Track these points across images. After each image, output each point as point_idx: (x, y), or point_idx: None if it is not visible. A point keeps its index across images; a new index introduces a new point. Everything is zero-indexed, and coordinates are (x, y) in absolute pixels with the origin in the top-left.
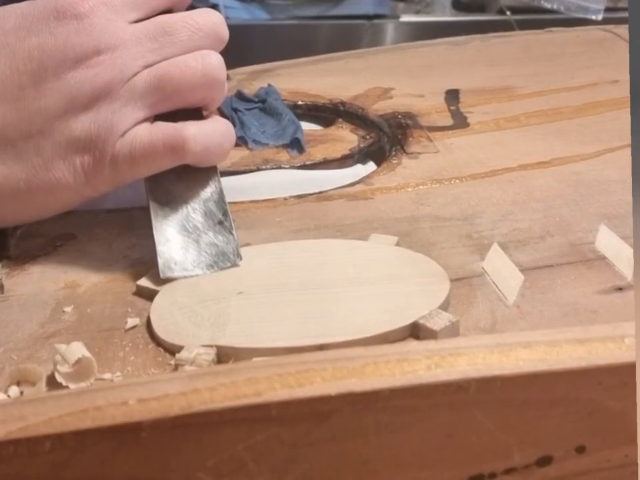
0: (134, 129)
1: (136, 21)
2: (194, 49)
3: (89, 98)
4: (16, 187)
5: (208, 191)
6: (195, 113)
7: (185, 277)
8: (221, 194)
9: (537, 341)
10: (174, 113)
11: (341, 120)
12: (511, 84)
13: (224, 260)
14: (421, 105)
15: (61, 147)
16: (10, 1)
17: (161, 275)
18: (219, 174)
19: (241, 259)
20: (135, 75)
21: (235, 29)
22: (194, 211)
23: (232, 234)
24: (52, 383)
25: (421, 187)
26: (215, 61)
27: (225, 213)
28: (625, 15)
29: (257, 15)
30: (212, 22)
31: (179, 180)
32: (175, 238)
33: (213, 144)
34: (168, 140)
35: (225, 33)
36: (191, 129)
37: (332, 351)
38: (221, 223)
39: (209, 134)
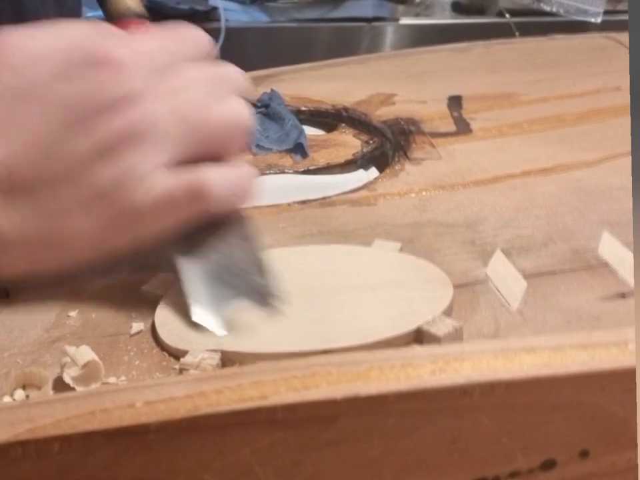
0: (154, 175)
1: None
2: (219, 99)
3: (117, 144)
4: (30, 236)
5: (238, 239)
6: (217, 159)
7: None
8: (252, 239)
9: (541, 346)
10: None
11: (343, 125)
12: (514, 90)
13: (263, 303)
14: (423, 111)
15: (80, 192)
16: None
17: (193, 319)
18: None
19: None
20: (162, 120)
21: (235, 32)
22: (227, 261)
23: (270, 275)
24: (58, 386)
25: (424, 193)
26: (240, 106)
27: (259, 255)
28: (624, 17)
29: (256, 18)
30: (233, 74)
31: (206, 231)
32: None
33: (233, 187)
34: (186, 183)
35: (245, 84)
36: (210, 172)
37: (337, 355)
38: (257, 264)
39: (230, 177)
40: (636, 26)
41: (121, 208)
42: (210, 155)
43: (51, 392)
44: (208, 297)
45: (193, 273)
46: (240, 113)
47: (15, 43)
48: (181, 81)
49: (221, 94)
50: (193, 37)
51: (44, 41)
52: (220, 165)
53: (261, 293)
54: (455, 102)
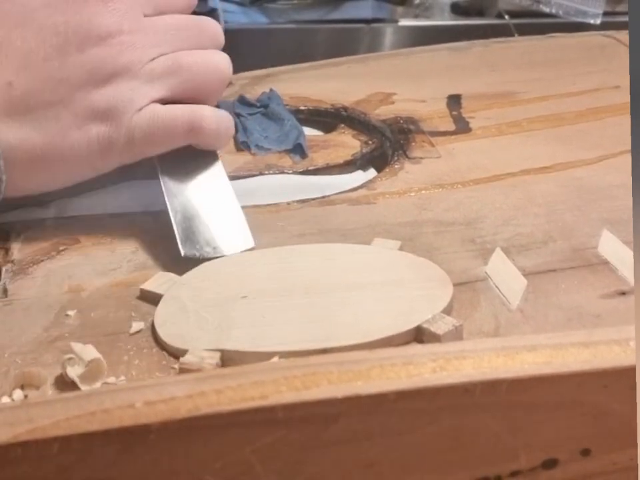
0: (151, 106)
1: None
2: (200, 47)
3: (110, 73)
4: (31, 152)
5: (215, 172)
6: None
7: (203, 257)
8: (225, 177)
9: (542, 344)
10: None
11: (343, 125)
12: (513, 89)
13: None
14: (423, 110)
15: (79, 116)
16: None
17: (182, 253)
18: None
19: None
20: (152, 59)
21: (234, 33)
22: (203, 190)
23: (241, 215)
24: (57, 385)
25: (423, 191)
26: (225, 58)
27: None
28: (624, 19)
29: (255, 19)
30: (213, 26)
31: (188, 160)
32: (189, 217)
33: (222, 126)
34: (188, 116)
35: (222, 39)
36: (208, 110)
37: (338, 354)
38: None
39: (221, 117)
40: (636, 26)
41: (116, 131)
42: (192, 98)
43: (50, 391)
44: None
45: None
46: (224, 63)
47: None
48: (169, 26)
49: (202, 44)
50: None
51: None
52: (210, 107)
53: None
54: (454, 101)
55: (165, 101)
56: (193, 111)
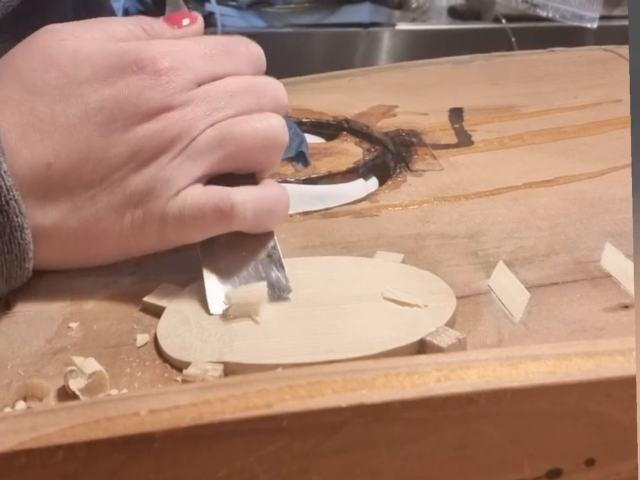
0: (187, 190)
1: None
2: (257, 111)
3: (153, 152)
4: (65, 235)
5: (263, 255)
6: (249, 179)
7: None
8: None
9: (546, 354)
10: (228, 179)
11: (345, 133)
12: (515, 103)
13: (274, 295)
14: (425, 123)
15: (116, 199)
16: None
17: (211, 311)
18: (275, 239)
19: (290, 291)
20: (200, 133)
21: None
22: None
23: (282, 267)
24: (60, 398)
25: (426, 204)
26: (277, 123)
27: (274, 247)
28: (620, 23)
29: (253, 23)
30: (274, 87)
31: (232, 246)
32: (222, 275)
33: (263, 210)
34: (217, 203)
35: (285, 100)
36: (241, 194)
37: (342, 363)
38: (269, 256)
39: (260, 200)
40: (636, 29)
41: (151, 216)
42: (243, 169)
43: (53, 403)
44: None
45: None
46: (277, 130)
47: (61, 43)
48: (222, 92)
49: (260, 108)
50: (244, 48)
51: (90, 42)
52: (251, 187)
53: (273, 285)
54: (456, 114)
55: (209, 178)
56: (221, 197)
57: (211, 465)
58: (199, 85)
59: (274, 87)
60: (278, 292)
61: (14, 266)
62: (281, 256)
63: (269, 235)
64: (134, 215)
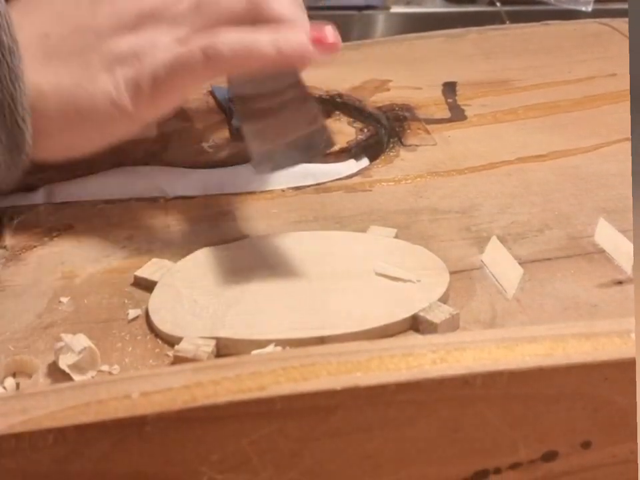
0: (170, 43)
1: None
2: None
3: (136, 19)
4: (63, 98)
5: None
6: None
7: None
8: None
9: (543, 335)
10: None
11: (338, 112)
12: (508, 77)
13: (315, 150)
14: (418, 97)
15: (107, 61)
16: None
17: (257, 172)
18: (299, 75)
19: (332, 145)
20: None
21: None
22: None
23: (323, 122)
24: (50, 373)
25: (419, 179)
26: None
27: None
28: (615, 6)
29: None
30: None
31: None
32: (264, 136)
33: (246, 44)
34: (199, 46)
35: None
36: (223, 35)
37: (337, 344)
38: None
39: (244, 37)
40: (636, 26)
41: (141, 73)
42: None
43: (42, 380)
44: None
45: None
46: None
47: None
48: None
49: None
50: None
51: None
52: (238, 28)
53: (311, 143)
54: (450, 88)
55: None
56: (205, 40)
57: (204, 449)
58: None
59: None
60: (322, 148)
61: (7, 88)
62: (322, 119)
63: (293, 75)
64: (126, 74)
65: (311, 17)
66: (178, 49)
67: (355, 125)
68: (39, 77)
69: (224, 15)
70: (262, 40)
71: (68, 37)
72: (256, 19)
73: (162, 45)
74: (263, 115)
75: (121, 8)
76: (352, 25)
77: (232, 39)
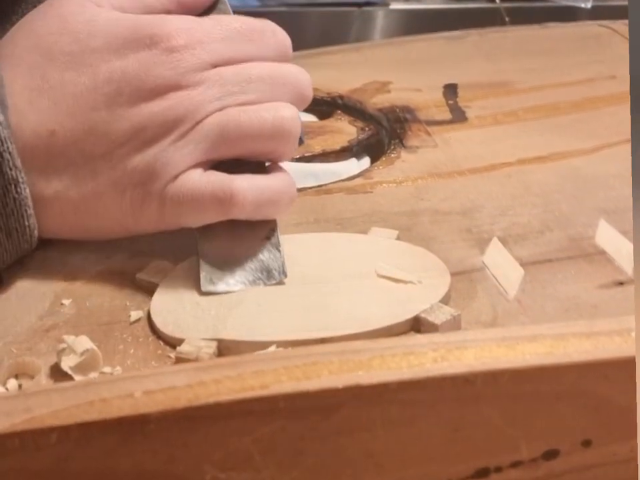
0: (186, 173)
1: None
2: (273, 100)
3: (156, 131)
4: (64, 207)
5: (261, 237)
6: (257, 167)
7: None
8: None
9: (544, 334)
10: (235, 164)
11: (339, 112)
12: (509, 79)
13: (268, 277)
14: (419, 99)
15: (116, 176)
16: None
17: (202, 289)
18: (276, 223)
19: (286, 276)
20: (206, 116)
21: None
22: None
23: (278, 250)
24: (52, 375)
25: (420, 180)
26: (288, 114)
27: (273, 229)
28: (614, 3)
29: (247, 2)
30: (298, 79)
31: (231, 226)
32: (218, 253)
33: (264, 201)
34: (215, 190)
35: (309, 94)
36: (242, 183)
37: (338, 343)
38: (267, 238)
39: (262, 190)
40: (636, 26)
41: (149, 197)
42: (250, 157)
43: (45, 381)
44: (217, 267)
45: (205, 247)
46: (286, 121)
47: (79, 8)
48: (238, 77)
49: (278, 97)
50: (270, 34)
51: (110, 13)
52: (255, 175)
53: (264, 264)
54: (451, 90)
55: (212, 164)
56: (221, 184)
57: (206, 447)
58: (215, 67)
59: (297, 76)
60: (274, 275)
61: (12, 221)
62: (279, 240)
63: (272, 221)
64: (133, 194)
65: (311, 14)
66: (190, 179)
67: (355, 123)
68: (41, 183)
69: (245, 143)
70: (282, 192)
71: (78, 139)
72: (271, 156)
73: (175, 168)
74: (222, 235)
75: (143, 115)
76: (351, 21)
77: (249, 186)
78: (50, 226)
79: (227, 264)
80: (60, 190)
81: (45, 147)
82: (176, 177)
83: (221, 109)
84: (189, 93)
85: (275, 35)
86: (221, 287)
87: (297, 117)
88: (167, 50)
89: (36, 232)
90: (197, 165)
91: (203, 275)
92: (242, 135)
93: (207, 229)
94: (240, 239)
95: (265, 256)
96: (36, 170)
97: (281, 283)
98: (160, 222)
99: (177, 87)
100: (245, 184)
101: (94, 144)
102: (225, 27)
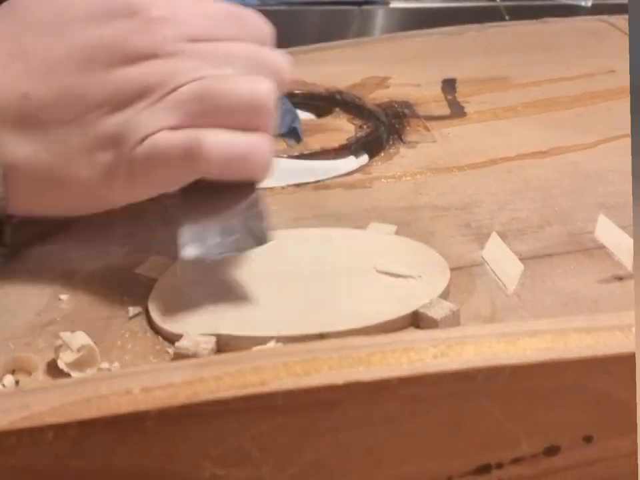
0: (156, 134)
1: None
2: (248, 75)
3: (130, 96)
4: (35, 173)
5: (242, 206)
6: (246, 188)
7: (205, 258)
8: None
9: (544, 329)
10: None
11: (338, 109)
12: (507, 74)
13: (250, 241)
14: (417, 94)
15: (87, 140)
16: None
17: (182, 254)
18: (257, 192)
19: (268, 240)
20: (183, 84)
21: None
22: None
23: (261, 215)
24: (50, 370)
25: (419, 176)
26: (265, 87)
27: (254, 193)
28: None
29: (246, 1)
30: (277, 61)
31: (213, 197)
32: (197, 220)
33: (233, 155)
34: (180, 143)
35: (288, 77)
36: (209, 135)
37: (338, 339)
38: (249, 203)
39: (232, 144)
40: (636, 26)
41: (119, 162)
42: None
43: (42, 377)
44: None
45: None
46: (262, 95)
47: None
48: (215, 53)
49: (258, 71)
50: (253, 20)
51: None
52: (227, 131)
53: (252, 232)
54: (449, 85)
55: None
56: (188, 136)
57: (205, 444)
58: (193, 42)
59: (276, 58)
60: (256, 239)
61: None
62: (262, 208)
63: (250, 186)
64: (104, 159)
65: (311, 12)
66: (158, 138)
67: (354, 121)
68: (11, 146)
69: (219, 114)
70: (256, 148)
71: (51, 103)
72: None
73: (144, 131)
74: (204, 204)
75: (117, 81)
76: (351, 19)
77: (219, 140)
78: (19, 197)
79: (207, 230)
80: (30, 153)
81: (16, 108)
82: (144, 138)
83: (197, 79)
84: (164, 62)
85: (256, 22)
86: (201, 251)
87: (273, 92)
88: (145, 20)
89: (3, 202)
90: (166, 128)
91: (181, 240)
92: (217, 105)
93: (186, 196)
94: (219, 205)
95: (246, 221)
96: (6, 132)
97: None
98: (132, 188)
99: (153, 56)
100: (212, 137)
101: (66, 108)
102: (206, 5)
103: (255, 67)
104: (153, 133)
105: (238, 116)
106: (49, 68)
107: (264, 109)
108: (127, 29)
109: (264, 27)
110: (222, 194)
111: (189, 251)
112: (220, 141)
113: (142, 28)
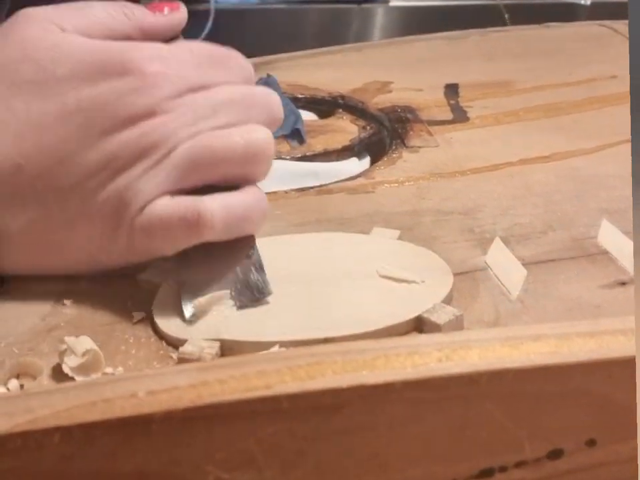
0: (155, 201)
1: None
2: (245, 122)
3: (129, 160)
4: (33, 239)
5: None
6: (229, 188)
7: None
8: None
9: (548, 334)
10: (207, 188)
11: (341, 110)
12: (510, 79)
13: (254, 297)
14: (420, 99)
15: (87, 206)
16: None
17: (186, 317)
18: (255, 241)
19: (270, 293)
20: (179, 143)
21: (225, 14)
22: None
23: (261, 268)
24: (55, 375)
25: (421, 180)
26: (262, 135)
27: (252, 247)
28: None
29: (246, 0)
30: (268, 100)
31: (210, 249)
32: (198, 279)
33: (234, 219)
34: (182, 212)
35: (281, 114)
36: (209, 203)
37: (342, 343)
38: (248, 257)
39: (230, 208)
40: (636, 26)
41: (120, 228)
42: (225, 182)
43: (47, 382)
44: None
45: (183, 274)
46: (260, 144)
47: (41, 33)
48: (209, 101)
49: (249, 119)
50: (234, 60)
51: (74, 38)
52: (222, 194)
53: (252, 287)
54: (452, 90)
55: (184, 191)
56: (187, 207)
57: (209, 447)
58: (187, 92)
59: (267, 97)
60: (257, 294)
61: None
62: (261, 258)
63: (248, 237)
64: (104, 225)
65: (310, 11)
66: (158, 205)
67: (357, 122)
68: (7, 218)
69: (218, 168)
70: (253, 207)
71: (46, 171)
72: (246, 178)
73: (145, 197)
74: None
75: (116, 145)
76: (351, 18)
77: (218, 206)
78: (17, 261)
79: (209, 289)
80: (26, 225)
81: (10, 182)
82: (144, 205)
83: (193, 136)
84: (162, 120)
85: (239, 61)
86: (205, 313)
87: (270, 138)
88: (141, 78)
89: None
90: (166, 193)
91: (184, 303)
92: (214, 162)
93: (184, 256)
94: (219, 261)
95: (248, 276)
96: (1, 204)
97: (266, 303)
98: (131, 252)
99: (151, 115)
100: (212, 203)
101: (63, 176)
102: (195, 53)
103: (249, 109)
104: (153, 200)
105: (236, 168)
106: (43, 135)
107: (260, 158)
108: (122, 89)
109: (246, 64)
110: (221, 247)
111: (193, 314)
112: (220, 206)
113: (138, 87)
